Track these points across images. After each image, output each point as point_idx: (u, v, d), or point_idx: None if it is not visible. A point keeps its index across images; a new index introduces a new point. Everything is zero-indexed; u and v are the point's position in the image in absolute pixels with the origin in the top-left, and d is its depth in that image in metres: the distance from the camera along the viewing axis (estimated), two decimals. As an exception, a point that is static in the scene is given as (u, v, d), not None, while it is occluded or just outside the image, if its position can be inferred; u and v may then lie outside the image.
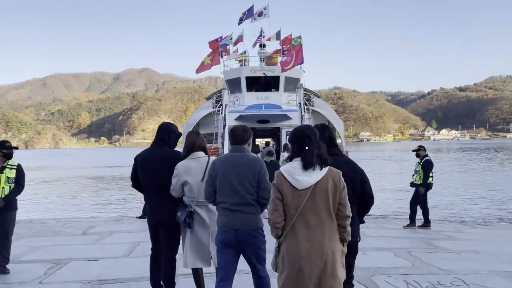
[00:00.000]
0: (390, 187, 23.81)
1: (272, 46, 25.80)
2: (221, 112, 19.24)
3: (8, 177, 5.95)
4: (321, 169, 3.03)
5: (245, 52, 24.25)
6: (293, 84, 23.27)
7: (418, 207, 10.12)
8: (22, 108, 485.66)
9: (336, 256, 3.03)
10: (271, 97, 22.76)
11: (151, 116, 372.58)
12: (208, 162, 4.34)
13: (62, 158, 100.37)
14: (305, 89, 22.88)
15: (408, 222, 10.17)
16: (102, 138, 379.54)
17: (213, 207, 4.15)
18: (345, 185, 3.08)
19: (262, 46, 24.49)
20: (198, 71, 20.76)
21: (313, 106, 21.84)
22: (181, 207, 4.42)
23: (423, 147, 10.43)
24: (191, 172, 4.33)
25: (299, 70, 23.16)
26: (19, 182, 6.05)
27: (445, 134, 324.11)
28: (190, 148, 4.46)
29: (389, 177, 32.36)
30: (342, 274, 3.08)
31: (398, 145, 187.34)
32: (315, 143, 3.10)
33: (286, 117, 21.64)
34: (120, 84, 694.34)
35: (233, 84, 23.18)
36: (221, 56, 22.43)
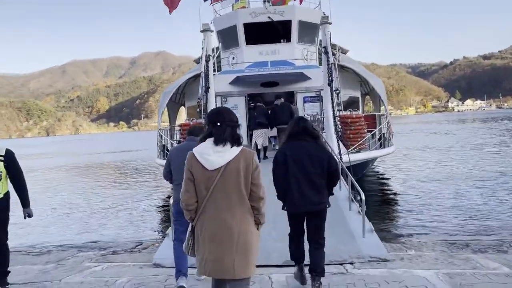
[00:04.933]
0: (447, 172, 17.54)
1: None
2: (202, 64, 13.62)
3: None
4: (232, 147, 3.00)
5: (244, -3, 18.21)
6: (310, 32, 17.34)
7: None
8: (43, 96, 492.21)
9: (248, 238, 3.01)
10: (280, 50, 16.98)
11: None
12: None
13: (80, 143, 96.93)
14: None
15: None
16: (121, 122, 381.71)
17: None
18: (259, 166, 3.07)
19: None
20: (171, 9, 14.89)
21: (339, 62, 16.00)
22: None
23: None
24: None
25: (317, 12, 17.27)
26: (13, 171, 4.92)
27: (470, 104, 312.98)
28: None
29: (432, 156, 26.39)
30: (253, 259, 3.07)
31: (421, 117, 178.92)
32: (228, 121, 3.06)
33: (303, 77, 15.91)
34: (137, 68, 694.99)
35: (227, 36, 17.42)
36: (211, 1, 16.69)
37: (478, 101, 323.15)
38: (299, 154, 4.32)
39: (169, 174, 4.97)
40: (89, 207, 14.40)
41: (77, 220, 12.39)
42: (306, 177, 4.29)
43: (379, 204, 12.16)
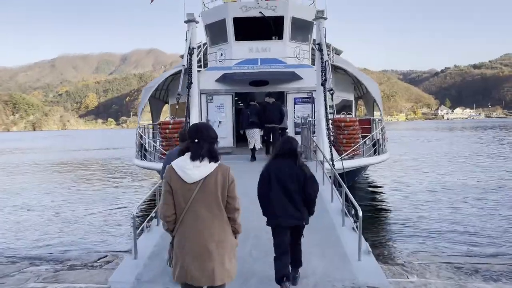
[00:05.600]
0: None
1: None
2: (185, 58, 12.58)
3: None
4: (209, 162, 3.14)
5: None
6: (303, 29, 16.45)
7: None
8: (30, 89, 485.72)
9: (225, 247, 3.16)
10: (271, 48, 16.05)
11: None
12: None
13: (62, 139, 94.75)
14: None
15: None
16: (110, 119, 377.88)
17: None
18: (234, 180, 3.22)
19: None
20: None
21: (333, 62, 15.14)
22: None
23: None
24: None
25: (311, 9, 16.36)
26: None
27: (459, 113, 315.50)
28: None
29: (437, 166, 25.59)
30: (231, 266, 3.22)
31: (411, 124, 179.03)
32: (206, 137, 3.18)
33: (294, 77, 15.03)
34: (127, 65, 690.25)
35: (215, 31, 16.45)
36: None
37: (468, 110, 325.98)
38: (282, 172, 4.64)
39: None
40: (57, 210, 13.23)
41: (40, 224, 11.23)
42: (287, 194, 4.59)
43: (371, 217, 11.16)
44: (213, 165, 3.14)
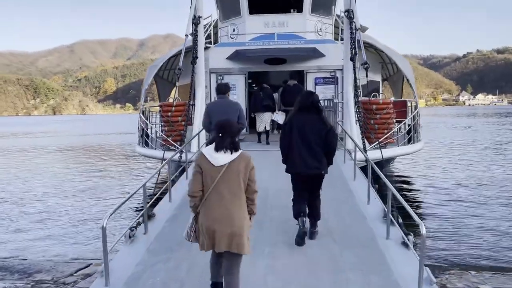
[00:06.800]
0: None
1: None
2: (189, 28, 10.94)
3: None
4: (232, 153, 3.61)
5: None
6: (325, 1, 14.75)
7: None
8: (51, 74, 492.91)
9: (243, 222, 3.60)
10: (289, 22, 14.35)
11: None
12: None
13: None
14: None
15: None
16: (128, 104, 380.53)
17: None
18: (254, 166, 3.70)
19: None
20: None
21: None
22: None
23: None
24: None
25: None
26: None
27: (481, 99, 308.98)
28: None
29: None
30: (246, 240, 3.61)
31: (431, 110, 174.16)
32: (229, 132, 3.64)
33: (315, 53, 13.35)
34: (145, 50, 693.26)
35: (227, 4, 14.79)
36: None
37: (490, 96, 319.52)
38: (303, 125, 4.84)
39: (209, 124, 6.55)
40: (40, 204, 11.73)
41: (17, 221, 9.81)
42: (306, 145, 4.82)
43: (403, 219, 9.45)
44: (235, 154, 3.59)
